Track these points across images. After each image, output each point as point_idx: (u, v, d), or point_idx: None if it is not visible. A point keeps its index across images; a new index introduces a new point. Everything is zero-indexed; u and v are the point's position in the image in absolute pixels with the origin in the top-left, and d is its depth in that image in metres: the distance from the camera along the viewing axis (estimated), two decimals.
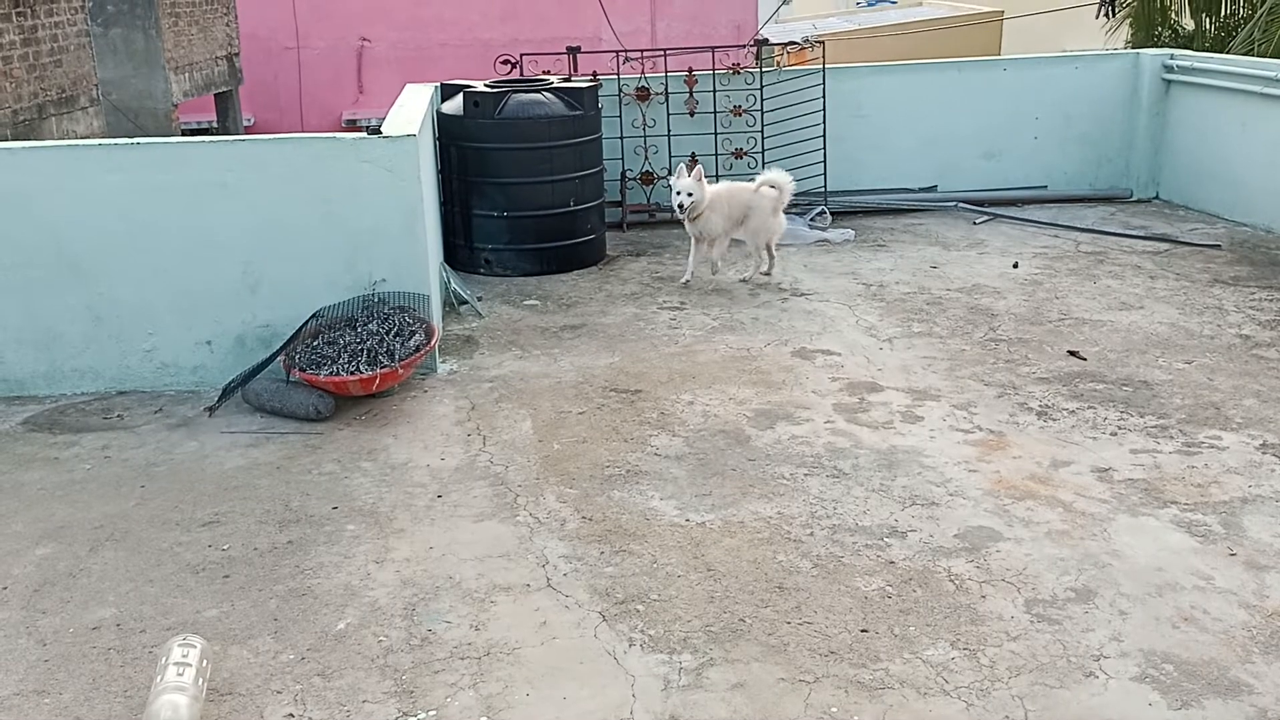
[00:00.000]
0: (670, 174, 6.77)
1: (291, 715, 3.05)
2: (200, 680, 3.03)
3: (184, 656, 3.06)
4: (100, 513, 4.20)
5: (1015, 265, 7.20)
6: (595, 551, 3.86)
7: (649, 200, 8.40)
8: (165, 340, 5.33)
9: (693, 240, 6.92)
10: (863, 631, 3.37)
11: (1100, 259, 7.33)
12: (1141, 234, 7.86)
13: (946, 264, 7.30)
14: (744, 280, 6.97)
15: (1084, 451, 4.54)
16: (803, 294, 6.73)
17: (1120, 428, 4.75)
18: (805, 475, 4.38)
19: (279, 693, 3.14)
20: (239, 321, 5.33)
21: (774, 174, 6.84)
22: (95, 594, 3.65)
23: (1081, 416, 4.87)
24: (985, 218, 8.38)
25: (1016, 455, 4.51)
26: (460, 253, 7.34)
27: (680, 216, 6.73)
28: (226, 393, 5.13)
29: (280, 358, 5.13)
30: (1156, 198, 8.85)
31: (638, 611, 3.50)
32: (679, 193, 6.59)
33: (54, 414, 5.13)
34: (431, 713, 3.05)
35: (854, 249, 7.74)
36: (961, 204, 8.59)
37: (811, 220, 8.15)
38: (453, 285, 6.57)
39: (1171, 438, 4.65)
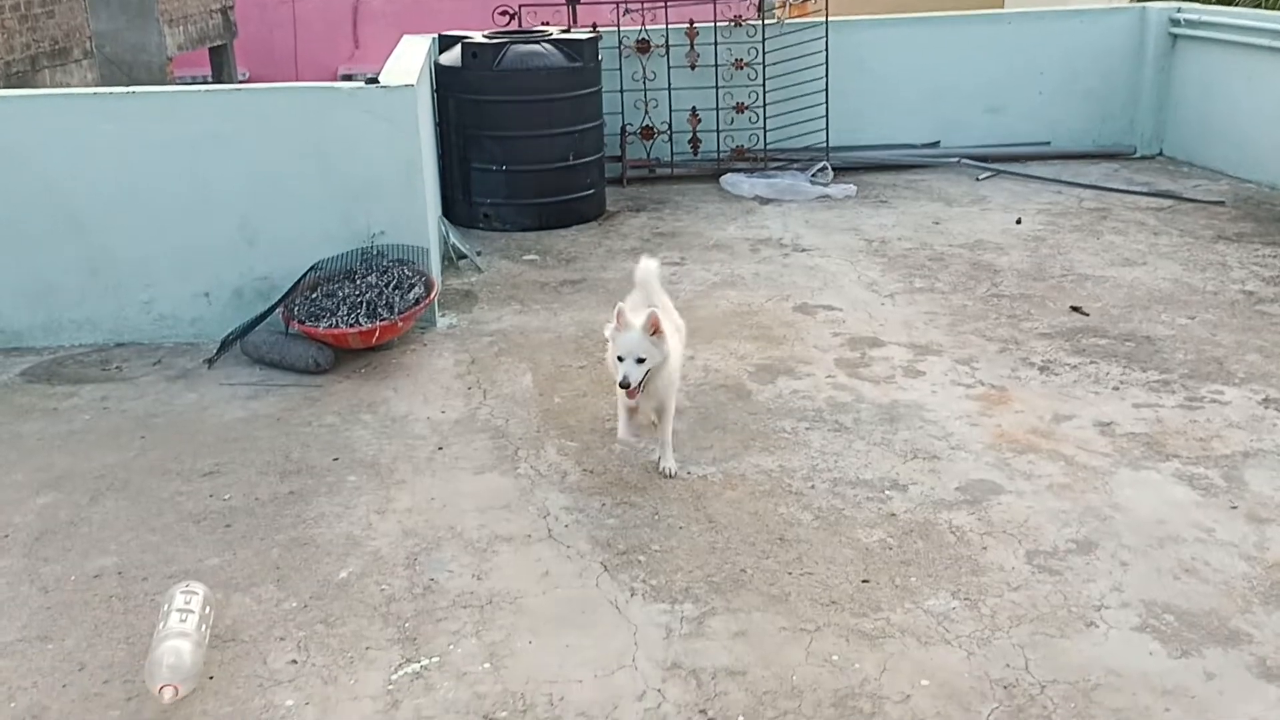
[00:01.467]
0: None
1: (295, 661, 3.05)
2: (203, 627, 3.03)
3: (186, 603, 3.06)
4: (100, 463, 4.19)
5: (1018, 221, 7.16)
6: (596, 503, 3.86)
7: (649, 155, 8.34)
8: (163, 292, 5.30)
9: (623, 408, 3.97)
10: (864, 582, 3.37)
11: (1103, 215, 7.28)
12: (1145, 190, 7.81)
13: (949, 220, 7.26)
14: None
15: (1086, 406, 4.53)
16: (804, 249, 6.70)
17: (1122, 382, 4.74)
18: (806, 429, 4.37)
19: (282, 639, 3.15)
20: (236, 274, 5.29)
21: (647, 263, 4.17)
22: (96, 542, 3.65)
23: (1084, 371, 4.86)
24: (988, 174, 8.32)
25: (1018, 409, 4.50)
26: (459, 207, 7.29)
27: (630, 402, 3.87)
28: (225, 345, 5.11)
29: (279, 310, 5.10)
30: (1160, 154, 8.79)
31: (639, 562, 3.50)
32: (623, 358, 3.73)
33: (52, 365, 5.11)
34: (435, 659, 3.05)
35: (855, 205, 7.69)
36: (964, 160, 8.52)
37: (813, 176, 8.10)
38: (451, 239, 6.52)
39: (1174, 392, 4.64)
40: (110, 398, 4.76)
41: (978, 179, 8.25)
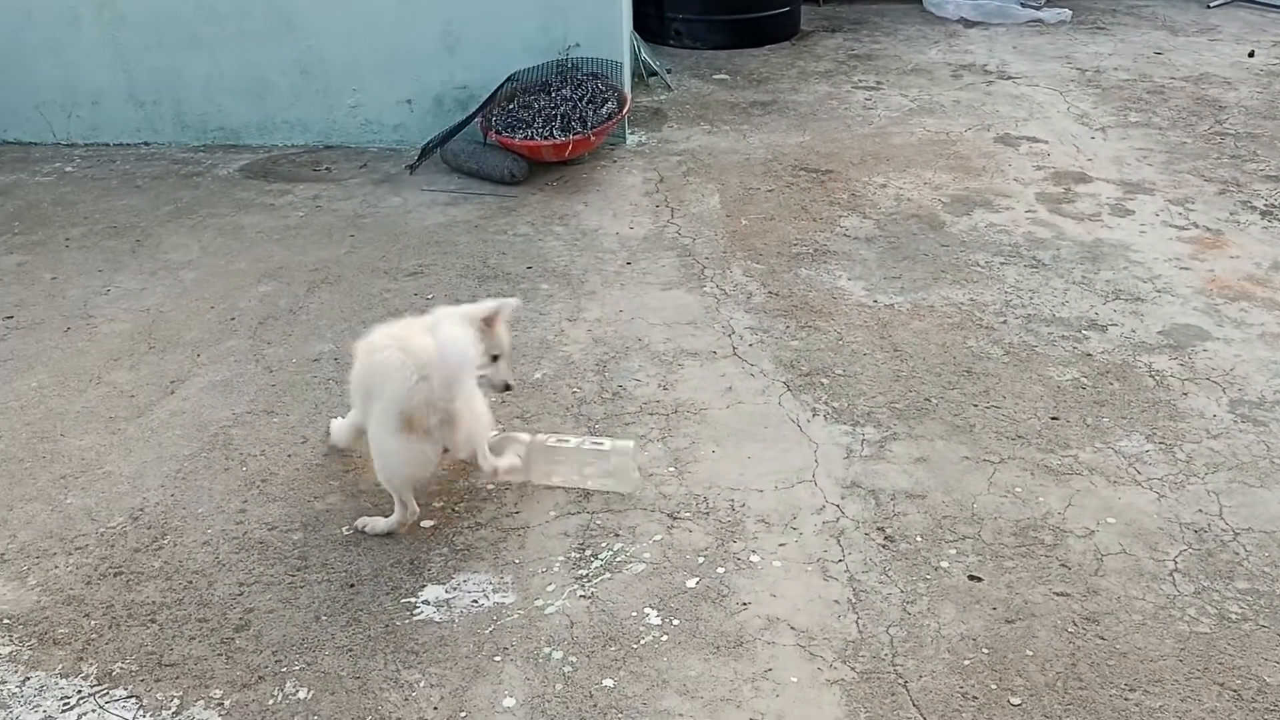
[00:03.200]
0: None
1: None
2: None
3: None
4: (315, 257, 4.45)
5: (1251, 54, 6.57)
6: (781, 325, 3.89)
7: None
8: (369, 97, 5.47)
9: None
10: (1053, 419, 3.33)
11: None
12: None
13: (1172, 50, 6.71)
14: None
15: None
16: (1009, 77, 6.34)
17: None
18: (1001, 264, 4.25)
19: None
20: (437, 81, 5.40)
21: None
22: (314, 330, 3.92)
23: None
24: (1220, 0, 7.61)
25: (1234, 255, 4.25)
26: (650, 23, 7.16)
27: None
28: (426, 152, 5.26)
29: (477, 120, 5.20)
30: None
31: (822, 384, 3.53)
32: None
33: (267, 163, 5.40)
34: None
35: (1069, 31, 7.19)
36: None
37: None
38: (642, 55, 6.45)
39: None
40: (321, 197, 5.01)
41: (1208, 6, 7.56)
